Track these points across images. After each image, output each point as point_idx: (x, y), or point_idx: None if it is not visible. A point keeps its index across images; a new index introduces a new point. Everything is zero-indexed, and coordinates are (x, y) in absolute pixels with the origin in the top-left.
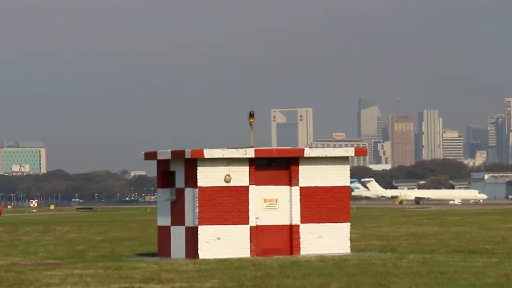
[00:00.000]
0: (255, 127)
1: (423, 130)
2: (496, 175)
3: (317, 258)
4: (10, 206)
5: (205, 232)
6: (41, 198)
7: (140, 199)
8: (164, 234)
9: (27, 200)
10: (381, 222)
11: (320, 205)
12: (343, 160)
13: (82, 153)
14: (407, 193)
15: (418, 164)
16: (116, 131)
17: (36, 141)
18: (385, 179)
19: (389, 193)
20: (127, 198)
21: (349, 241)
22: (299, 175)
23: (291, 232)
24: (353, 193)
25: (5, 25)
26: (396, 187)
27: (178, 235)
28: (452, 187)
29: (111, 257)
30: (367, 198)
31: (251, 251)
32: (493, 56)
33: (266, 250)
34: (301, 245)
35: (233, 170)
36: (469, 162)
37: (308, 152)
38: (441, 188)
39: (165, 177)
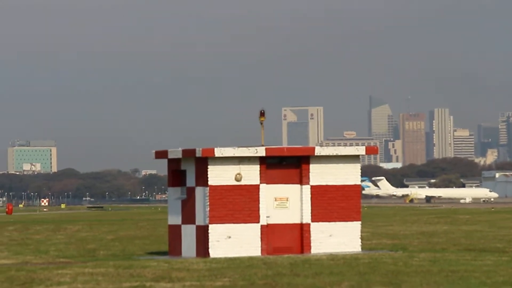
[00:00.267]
0: (266, 126)
1: (434, 129)
2: (507, 173)
3: (328, 256)
4: (21, 205)
5: (216, 231)
6: (52, 197)
7: (151, 198)
8: (175, 233)
9: (38, 199)
10: (392, 221)
11: (331, 203)
12: (353, 158)
13: (93, 152)
14: (418, 192)
15: (429, 162)
16: (127, 130)
17: (47, 140)
18: (396, 178)
19: (400, 191)
20: (138, 197)
21: (359, 240)
22: (310, 173)
23: (302, 230)
24: (363, 192)
25: (10, 24)
26: (407, 186)
27: (188, 234)
28: (463, 186)
29: (122, 256)
30: (377, 196)
31: (261, 250)
32: (507, 55)
33: (276, 248)
34: (311, 244)
35: (244, 169)
36: (480, 160)
37: (319, 151)
38: (452, 187)
39: (176, 176)
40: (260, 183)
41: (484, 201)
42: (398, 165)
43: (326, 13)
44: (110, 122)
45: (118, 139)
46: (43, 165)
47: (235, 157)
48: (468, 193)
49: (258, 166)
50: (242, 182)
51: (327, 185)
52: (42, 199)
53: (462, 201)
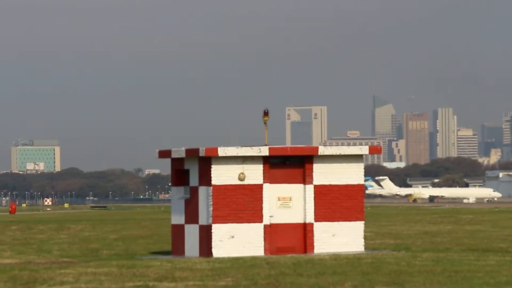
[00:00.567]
0: (269, 125)
1: (437, 128)
2: (510, 173)
3: (331, 256)
4: (25, 204)
5: (219, 231)
6: (56, 196)
7: (154, 197)
8: (178, 232)
9: (41, 199)
10: (395, 221)
11: (334, 203)
12: (357, 158)
13: (96, 152)
14: (421, 192)
15: (432, 162)
16: (130, 130)
17: (50, 139)
18: (399, 178)
19: (403, 191)
20: (141, 196)
21: (363, 240)
22: (313, 173)
23: (305, 230)
24: (367, 191)
25: (11, 24)
26: (410, 186)
27: (192, 233)
28: (467, 186)
29: (125, 255)
30: (381, 196)
31: (265, 250)
32: (510, 54)
33: (280, 248)
34: (315, 244)
35: (247, 168)
36: (483, 160)
37: (323, 150)
38: (456, 187)
39: (179, 175)
40: (264, 182)
41: (487, 201)
42: (402, 164)
43: (330, 13)
44: (113, 121)
45: (121, 138)
46: (46, 164)
47: (239, 156)
48: (471, 193)
49: (262, 165)
50: (246, 182)
51: (330, 185)
52: (46, 199)
53: (465, 201)
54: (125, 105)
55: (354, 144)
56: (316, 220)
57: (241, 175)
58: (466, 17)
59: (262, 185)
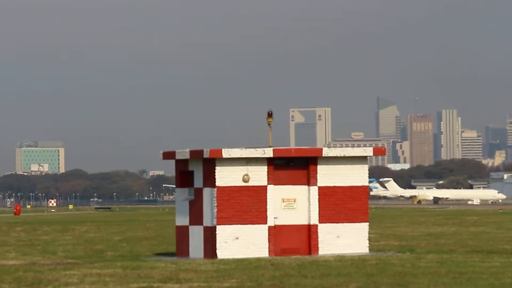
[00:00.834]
0: (273, 126)
1: (442, 130)
2: None
3: (335, 258)
4: (29, 206)
5: (224, 232)
6: (60, 198)
7: (158, 199)
8: (182, 233)
9: (46, 200)
10: (400, 222)
11: (339, 204)
12: (361, 159)
13: (101, 153)
14: (426, 193)
15: (436, 164)
16: (135, 131)
17: (55, 140)
18: (404, 179)
19: (408, 193)
20: (146, 198)
21: (367, 241)
22: (318, 174)
23: (310, 232)
24: (371, 193)
25: (15, 24)
26: (414, 187)
27: (196, 234)
28: (471, 187)
29: (130, 256)
30: (385, 198)
31: (269, 251)
32: None
33: (284, 250)
34: (319, 245)
35: (251, 170)
36: (488, 162)
37: (327, 152)
38: (460, 188)
39: (184, 177)
40: (268, 184)
41: (492, 202)
42: (406, 166)
43: (334, 14)
44: (117, 123)
45: (125, 140)
46: (50, 165)
47: (243, 158)
48: (476, 195)
49: (266, 167)
50: (250, 183)
51: (334, 186)
52: (50, 200)
53: (470, 202)
54: (128, 105)
55: (358, 146)
56: (320, 222)
57: (245, 176)
58: (468, 17)
59: (266, 186)
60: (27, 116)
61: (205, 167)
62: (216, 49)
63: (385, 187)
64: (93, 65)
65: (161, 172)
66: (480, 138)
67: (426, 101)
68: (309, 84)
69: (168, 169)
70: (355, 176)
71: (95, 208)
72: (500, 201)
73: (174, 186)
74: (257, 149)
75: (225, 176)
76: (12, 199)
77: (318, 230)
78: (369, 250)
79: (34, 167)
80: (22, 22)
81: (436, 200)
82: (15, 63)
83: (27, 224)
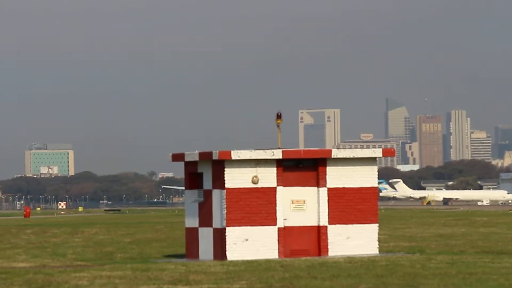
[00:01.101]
0: (282, 128)
1: (451, 131)
2: None
3: (345, 259)
4: (39, 208)
5: (233, 234)
6: (70, 200)
7: (168, 201)
8: (192, 235)
9: (55, 202)
10: (409, 223)
11: (348, 206)
12: (370, 161)
13: (110, 155)
14: (435, 194)
15: (446, 164)
16: (144, 133)
17: (64, 143)
18: (413, 180)
19: (417, 194)
20: (155, 200)
21: (377, 242)
22: (327, 176)
23: (319, 233)
24: (381, 194)
25: (25, 26)
26: (424, 188)
27: (206, 236)
28: (481, 188)
29: (139, 258)
30: (395, 198)
31: (279, 253)
32: None
33: (294, 251)
34: (329, 246)
35: (260, 172)
36: (497, 162)
37: (336, 153)
38: (470, 189)
39: (193, 179)
40: (277, 185)
41: (502, 203)
42: (415, 167)
43: (342, 14)
44: (127, 125)
45: (134, 142)
46: (60, 168)
47: (252, 159)
48: (485, 195)
49: (275, 168)
50: (259, 185)
51: (344, 188)
52: (60, 202)
53: (479, 203)
54: (141, 108)
55: (368, 147)
56: (330, 223)
57: (254, 178)
58: (479, 17)
59: (275, 188)
60: (37, 118)
61: (214, 169)
62: (227, 49)
63: (395, 188)
64: (102, 66)
65: (170, 174)
66: (490, 138)
67: (435, 102)
68: (318, 86)
69: (178, 171)
70: (365, 177)
71: (105, 210)
72: (510, 201)
73: (174, 187)
74: (266, 150)
75: (234, 178)
76: (22, 202)
77: (328, 232)
78: (379, 251)
79: (44, 170)
80: (31, 23)
81: (445, 201)
82: (23, 66)
83: (37, 227)
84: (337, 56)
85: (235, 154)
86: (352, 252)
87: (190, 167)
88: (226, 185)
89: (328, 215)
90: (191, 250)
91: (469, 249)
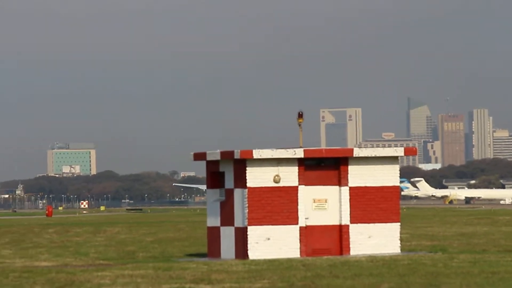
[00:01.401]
0: (304, 127)
1: (473, 129)
2: None
3: (367, 258)
4: (61, 208)
5: (255, 233)
6: (92, 199)
7: (189, 200)
8: (213, 234)
9: (77, 201)
10: (432, 222)
11: (370, 205)
12: (392, 160)
13: (132, 155)
14: (457, 193)
15: (468, 163)
16: (166, 133)
17: (86, 142)
18: (435, 179)
19: (439, 192)
20: (177, 199)
21: (399, 241)
22: (349, 175)
23: (341, 232)
24: (402, 193)
25: (44, 28)
26: (446, 187)
27: (227, 235)
28: (503, 187)
29: (161, 257)
30: (417, 197)
31: (300, 252)
32: None
33: (315, 250)
34: (351, 245)
35: (282, 171)
36: None
37: (358, 152)
38: (492, 188)
39: (215, 178)
40: (299, 184)
41: None
42: (437, 166)
43: (361, 14)
44: (148, 124)
45: (156, 141)
46: (82, 167)
47: (274, 158)
48: (508, 194)
49: (297, 167)
50: (281, 184)
51: (366, 187)
52: (82, 202)
53: (502, 202)
54: (163, 107)
55: (389, 146)
56: (352, 222)
57: (276, 177)
58: (500, 16)
59: (297, 187)
60: (59, 118)
61: (236, 168)
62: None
63: (417, 187)
64: (124, 66)
65: (192, 173)
66: None
67: (457, 101)
68: (339, 85)
69: (200, 170)
70: (386, 176)
71: (127, 209)
72: None
73: (186, 185)
74: (287, 149)
75: (256, 177)
76: (44, 201)
77: (350, 231)
78: (401, 250)
79: (66, 169)
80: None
81: (468, 200)
82: (45, 65)
83: (59, 226)
84: (359, 55)
85: (257, 153)
86: (374, 251)
87: (212, 166)
88: (248, 184)
89: (350, 214)
90: (213, 249)
91: (492, 248)
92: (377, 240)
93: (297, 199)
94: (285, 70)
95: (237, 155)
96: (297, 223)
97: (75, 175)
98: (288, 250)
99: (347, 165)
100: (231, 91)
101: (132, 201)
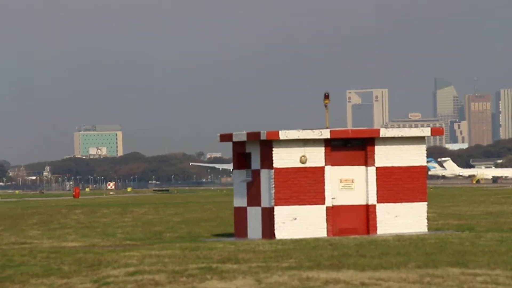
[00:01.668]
0: (330, 108)
1: (500, 109)
2: None
3: (394, 237)
4: (88, 189)
5: (281, 213)
6: (118, 181)
7: (216, 181)
8: (240, 215)
9: (104, 183)
10: (458, 201)
11: (397, 185)
12: (419, 140)
13: (158, 136)
14: (485, 172)
15: (495, 143)
16: (192, 114)
17: (112, 124)
18: (462, 159)
19: (466, 172)
20: (204, 180)
21: (426, 220)
22: (375, 155)
23: (368, 212)
24: (429, 173)
25: (67, 16)
26: (473, 166)
27: (254, 216)
28: None
29: (188, 238)
30: (444, 177)
31: (327, 231)
32: None
33: (342, 230)
34: (377, 225)
35: (308, 151)
36: None
37: (384, 133)
38: None
39: (241, 159)
40: (325, 165)
41: None
42: (464, 146)
43: None
44: (175, 105)
45: (183, 122)
46: (109, 149)
47: (300, 139)
48: None
49: (323, 148)
50: (307, 164)
51: (392, 167)
52: (109, 183)
53: None
54: (188, 89)
55: (416, 126)
56: (378, 202)
57: (302, 157)
58: None
59: (324, 167)
60: (85, 100)
61: (262, 149)
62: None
63: (444, 167)
64: (158, 51)
65: (218, 155)
66: None
67: (484, 81)
68: (365, 66)
69: (226, 151)
70: (413, 156)
71: (153, 190)
72: None
73: (202, 164)
74: (314, 130)
75: (282, 158)
76: (71, 182)
77: (376, 210)
78: (428, 229)
79: (93, 151)
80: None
81: (495, 179)
82: (73, 50)
83: (87, 207)
84: (387, 36)
85: (283, 134)
86: (400, 230)
87: (238, 147)
88: (274, 165)
89: (377, 194)
90: (240, 229)
91: None
92: (404, 219)
93: (323, 179)
94: (312, 52)
95: (263, 136)
96: (323, 203)
97: (101, 157)
98: (315, 229)
99: (373, 145)
100: (261, 74)
101: (158, 182)
